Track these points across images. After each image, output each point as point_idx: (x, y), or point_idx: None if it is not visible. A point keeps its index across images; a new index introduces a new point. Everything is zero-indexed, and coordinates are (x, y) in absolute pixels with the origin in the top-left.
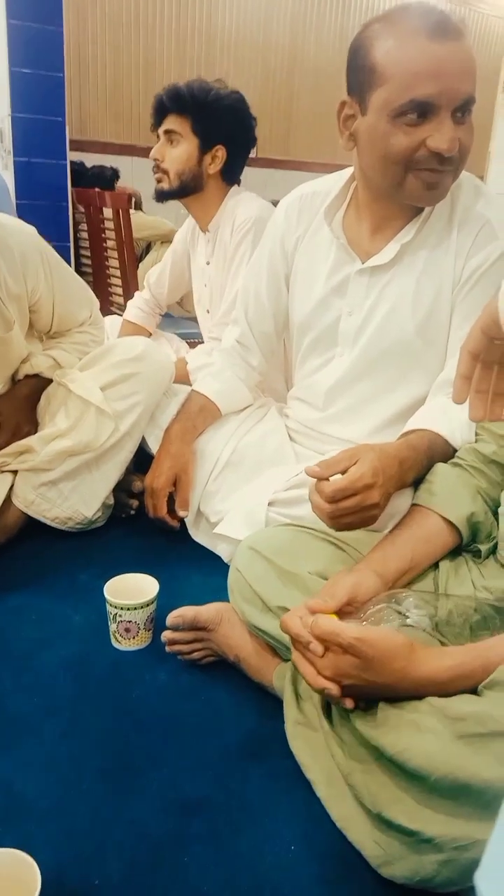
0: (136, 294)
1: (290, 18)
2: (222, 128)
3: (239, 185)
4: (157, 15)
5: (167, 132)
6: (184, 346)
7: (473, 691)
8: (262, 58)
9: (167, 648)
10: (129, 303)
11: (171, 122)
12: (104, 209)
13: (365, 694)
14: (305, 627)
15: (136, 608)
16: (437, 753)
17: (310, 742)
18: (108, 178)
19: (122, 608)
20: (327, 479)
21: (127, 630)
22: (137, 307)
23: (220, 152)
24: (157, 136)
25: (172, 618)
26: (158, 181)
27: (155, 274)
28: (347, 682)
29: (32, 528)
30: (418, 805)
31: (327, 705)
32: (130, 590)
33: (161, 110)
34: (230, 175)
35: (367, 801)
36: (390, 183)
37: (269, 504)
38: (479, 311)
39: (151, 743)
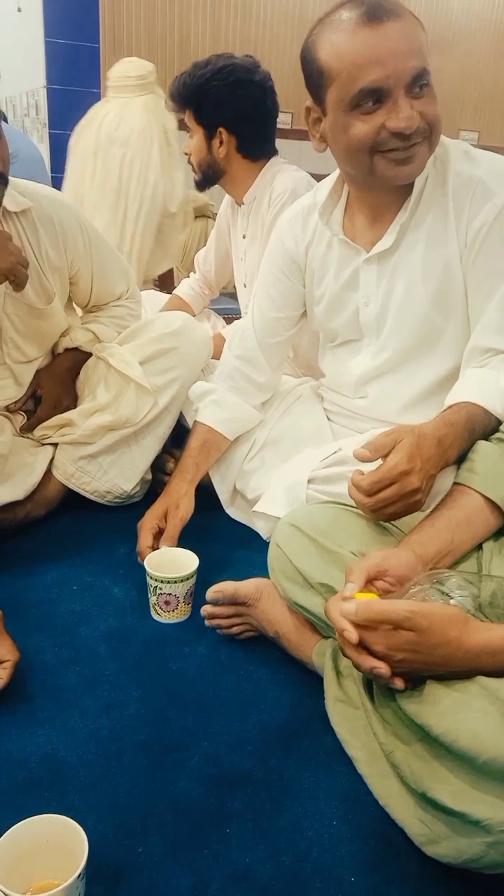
0: (192, 274)
1: None
2: (217, 110)
3: (274, 154)
4: None
5: (185, 126)
6: (220, 321)
7: None
8: (298, 32)
9: (206, 622)
10: (183, 280)
11: (185, 116)
12: None
13: (415, 671)
14: (346, 615)
15: (176, 581)
16: (486, 735)
17: (351, 719)
18: None
19: (162, 581)
20: (371, 461)
21: (167, 603)
22: (189, 285)
23: (224, 134)
24: None
25: (212, 592)
26: (194, 173)
27: (202, 254)
28: (398, 658)
29: (72, 500)
30: (465, 786)
31: (368, 683)
32: (171, 563)
33: (175, 109)
34: (251, 150)
35: (411, 780)
36: (363, 172)
37: (309, 481)
38: (493, 272)
39: (191, 717)
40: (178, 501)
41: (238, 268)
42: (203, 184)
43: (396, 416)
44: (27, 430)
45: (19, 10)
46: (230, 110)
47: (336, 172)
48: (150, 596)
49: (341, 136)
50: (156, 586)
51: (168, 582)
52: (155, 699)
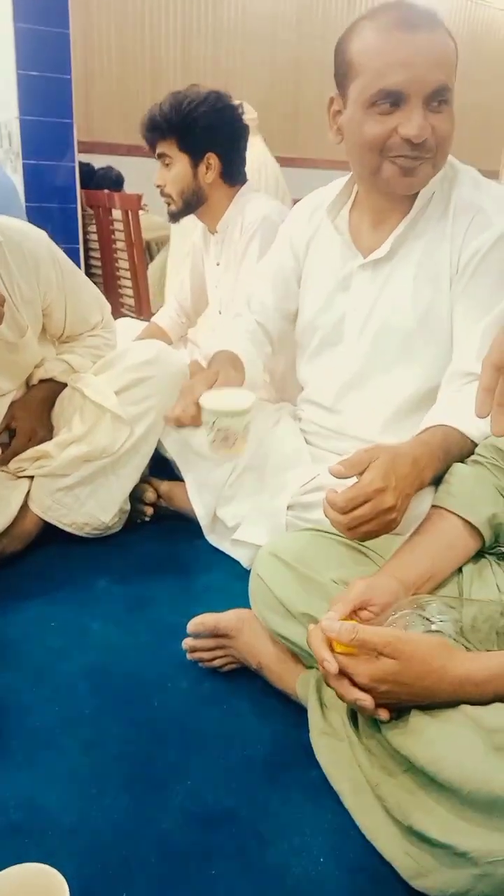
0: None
1: (296, 15)
2: (207, 135)
3: (246, 181)
4: (162, 14)
5: (160, 156)
6: (196, 349)
7: None
8: (269, 56)
9: (188, 656)
10: (162, 308)
11: (160, 147)
12: (113, 210)
13: (400, 701)
14: (329, 632)
15: (234, 415)
16: (471, 765)
17: (336, 752)
18: (115, 179)
19: (220, 414)
20: (347, 478)
21: (225, 439)
22: (167, 313)
23: (213, 160)
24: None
25: (193, 625)
26: (168, 205)
27: (177, 284)
28: (382, 689)
29: (49, 534)
30: (451, 817)
31: (353, 714)
32: (225, 399)
33: (148, 139)
34: (231, 176)
35: (397, 812)
36: (368, 171)
37: (288, 508)
38: (481, 299)
39: (174, 754)
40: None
41: (213, 295)
42: (181, 214)
43: (374, 436)
44: (2, 462)
45: None
46: (219, 135)
47: (350, 174)
48: (207, 434)
49: (356, 131)
50: (213, 421)
51: (227, 415)
52: (136, 737)
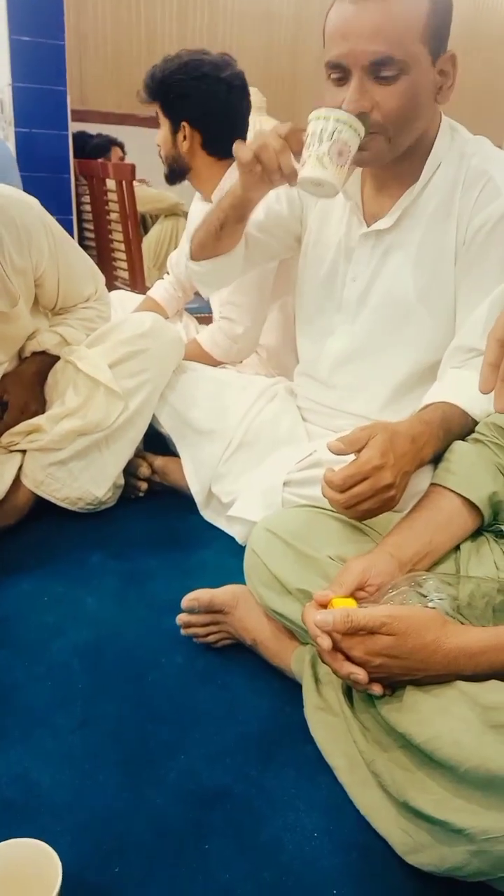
0: (166, 275)
1: None
2: (181, 103)
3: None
4: None
5: (156, 118)
6: (193, 323)
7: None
8: (266, 26)
9: (182, 631)
10: (157, 281)
11: (153, 108)
12: (107, 181)
13: (394, 675)
14: (323, 626)
15: (355, 129)
16: (467, 743)
17: (331, 728)
18: (107, 146)
19: (344, 123)
20: (345, 455)
21: (340, 153)
22: (163, 287)
23: (188, 129)
24: None
25: (188, 600)
26: (164, 166)
27: (175, 256)
28: (376, 663)
29: (42, 508)
30: (447, 794)
31: (348, 689)
32: None
33: (146, 99)
34: (216, 148)
35: (392, 789)
36: None
37: (284, 484)
38: (487, 273)
39: (168, 731)
40: None
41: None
42: (170, 177)
43: (373, 413)
44: None
45: None
46: (193, 105)
47: None
48: (318, 145)
49: (323, 100)
50: (334, 129)
51: (350, 126)
52: (130, 714)
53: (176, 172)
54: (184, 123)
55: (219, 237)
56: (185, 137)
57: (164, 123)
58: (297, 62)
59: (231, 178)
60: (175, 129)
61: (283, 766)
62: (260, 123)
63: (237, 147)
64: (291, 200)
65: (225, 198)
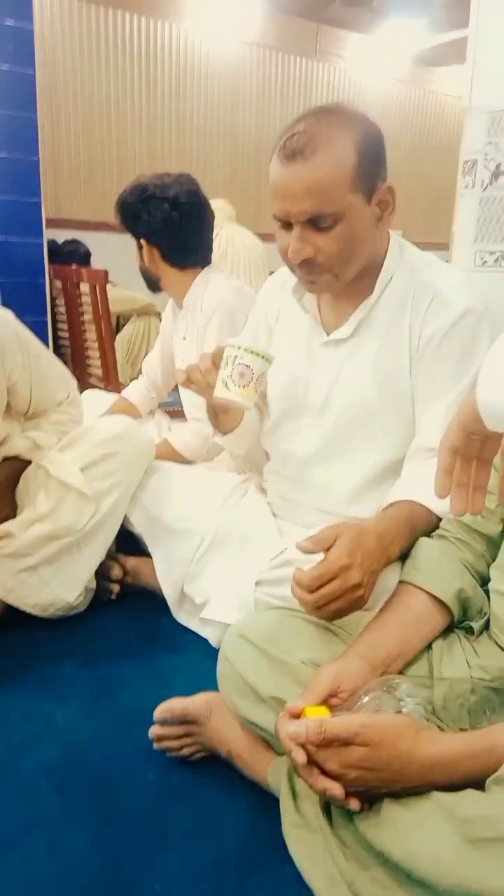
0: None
1: (255, 102)
2: (136, 224)
3: (206, 264)
4: (127, 100)
5: None
6: (165, 421)
7: (481, 784)
8: (231, 145)
9: (155, 745)
10: (132, 383)
11: None
12: (81, 284)
13: (371, 788)
14: (295, 738)
15: (257, 354)
16: (445, 860)
17: (309, 846)
18: (81, 254)
19: (244, 350)
20: (313, 553)
21: (241, 375)
22: (136, 388)
23: (146, 246)
24: None
25: (160, 712)
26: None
27: (149, 358)
28: (352, 776)
29: (11, 615)
30: None
31: (326, 804)
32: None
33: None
34: (175, 259)
35: None
36: None
37: (256, 584)
38: (439, 378)
39: (142, 855)
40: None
41: (180, 368)
42: (149, 286)
43: (340, 508)
44: None
45: None
46: (144, 224)
47: None
48: (223, 370)
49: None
50: (236, 356)
51: (251, 352)
52: (102, 837)
53: (150, 282)
54: (142, 241)
55: (221, 422)
56: (147, 252)
57: (135, 242)
58: (261, 172)
59: (198, 286)
60: (139, 246)
61: (263, 888)
62: (230, 233)
63: (177, 372)
64: (266, 332)
65: None
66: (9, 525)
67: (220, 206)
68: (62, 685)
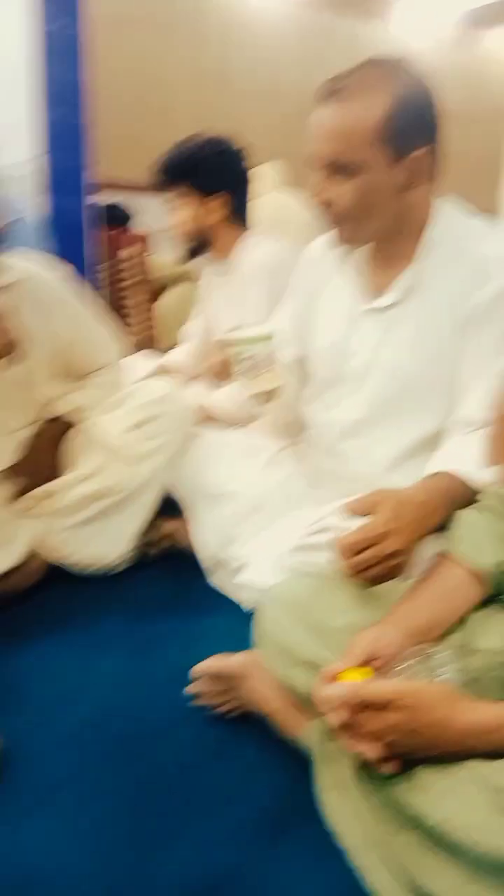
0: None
1: (301, 63)
2: (211, 178)
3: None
4: (174, 61)
5: (169, 201)
6: (204, 387)
7: None
8: (276, 104)
9: (193, 702)
10: (171, 350)
11: (169, 192)
12: (121, 249)
13: (405, 753)
14: (332, 700)
15: (254, 341)
16: (479, 826)
17: (343, 807)
18: (123, 217)
19: (241, 344)
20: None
21: (252, 368)
22: (177, 354)
23: (217, 202)
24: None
25: (198, 670)
26: (185, 243)
27: (189, 326)
28: (387, 741)
29: (55, 573)
30: (462, 880)
31: (361, 767)
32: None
33: (158, 185)
34: (236, 217)
35: (406, 873)
36: None
37: (293, 550)
38: (485, 349)
39: (179, 808)
40: None
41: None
42: (192, 254)
43: (379, 477)
44: (10, 501)
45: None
46: (224, 177)
47: None
48: (235, 368)
49: None
50: (237, 352)
51: (247, 342)
52: (140, 789)
53: (199, 247)
54: (214, 196)
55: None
56: (212, 210)
57: (188, 203)
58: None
59: (241, 248)
60: (201, 205)
61: (296, 848)
62: (278, 198)
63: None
64: (303, 305)
65: None
66: (53, 485)
67: (267, 171)
68: (102, 641)
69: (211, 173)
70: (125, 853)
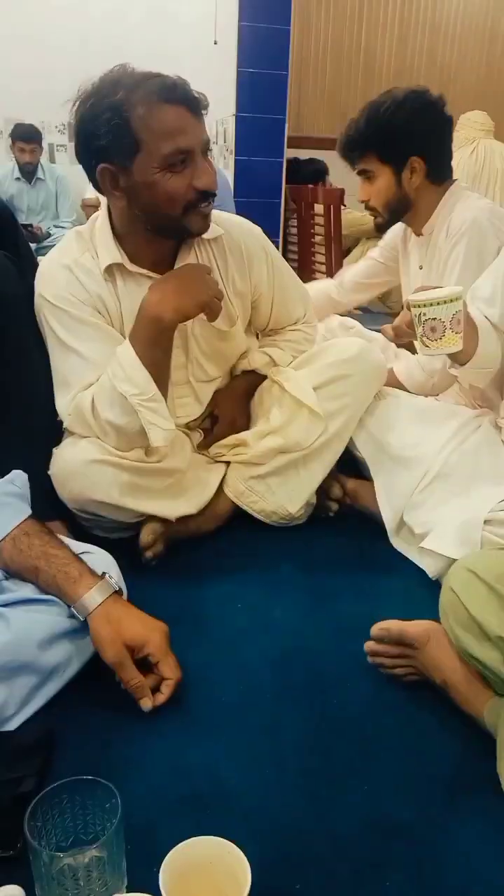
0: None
1: None
2: (408, 141)
3: (452, 176)
4: (380, 9)
5: (361, 172)
6: (392, 347)
7: None
8: (488, 49)
9: (369, 659)
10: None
11: (361, 163)
12: (315, 205)
13: None
14: None
15: (437, 302)
16: None
17: None
18: (320, 172)
19: (423, 304)
20: None
21: (433, 330)
22: (322, 287)
23: (417, 163)
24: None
25: (378, 629)
26: (374, 217)
27: (354, 266)
28: None
29: (239, 518)
30: None
31: None
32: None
33: (348, 158)
34: (437, 175)
35: None
36: None
37: (485, 522)
38: None
39: (352, 753)
40: None
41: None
42: (389, 224)
43: None
44: (203, 447)
45: (216, 42)
46: (421, 137)
47: None
48: (417, 330)
49: None
50: (420, 314)
51: (430, 305)
52: (315, 729)
53: (397, 217)
54: (413, 159)
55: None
56: (412, 173)
57: (384, 171)
58: None
59: (445, 207)
60: (400, 170)
61: (471, 815)
62: (489, 147)
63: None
64: None
65: None
66: (244, 435)
67: (476, 119)
68: (281, 586)
69: (400, 141)
70: (301, 786)
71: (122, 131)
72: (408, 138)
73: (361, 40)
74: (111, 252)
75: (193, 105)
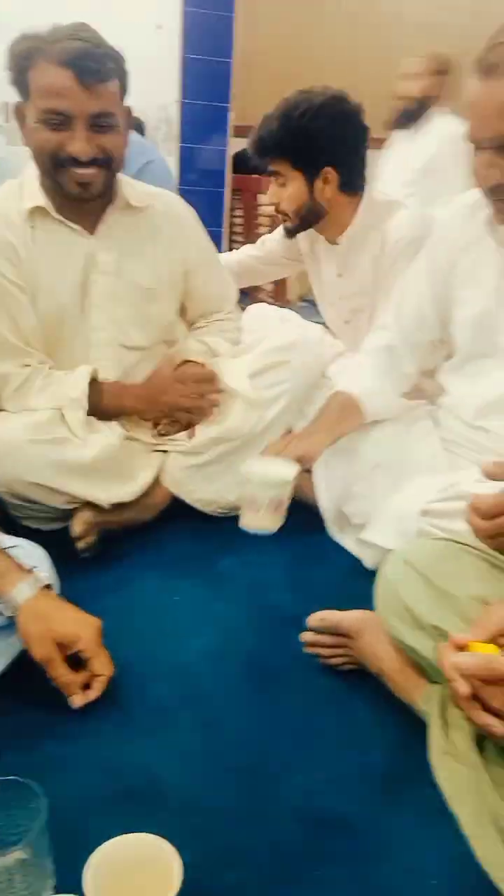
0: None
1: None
2: (323, 151)
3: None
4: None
5: (272, 174)
6: (328, 336)
7: None
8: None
9: (306, 649)
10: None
11: (273, 165)
12: (259, 195)
13: None
14: (461, 668)
15: (262, 482)
16: None
17: (457, 775)
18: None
19: (249, 478)
20: (498, 480)
21: (252, 501)
22: (244, 252)
23: (330, 174)
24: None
25: (315, 620)
26: (283, 221)
27: (272, 238)
28: None
29: (176, 509)
30: None
31: (480, 738)
32: (268, 469)
33: (259, 158)
34: (350, 186)
35: None
36: None
37: (422, 513)
38: None
39: (287, 748)
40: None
41: (338, 307)
42: (298, 231)
43: None
44: (142, 435)
45: (159, 27)
46: (337, 147)
47: None
48: (260, 500)
49: None
50: (247, 478)
51: (253, 480)
52: (249, 724)
53: (307, 223)
54: (326, 170)
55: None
56: (325, 183)
57: (295, 177)
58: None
59: (370, 216)
60: (312, 179)
61: (404, 806)
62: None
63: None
64: (440, 282)
65: None
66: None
67: None
68: (220, 579)
69: (314, 150)
70: (236, 781)
71: (22, 77)
72: (322, 148)
73: (312, 30)
74: (34, 196)
75: (85, 74)
